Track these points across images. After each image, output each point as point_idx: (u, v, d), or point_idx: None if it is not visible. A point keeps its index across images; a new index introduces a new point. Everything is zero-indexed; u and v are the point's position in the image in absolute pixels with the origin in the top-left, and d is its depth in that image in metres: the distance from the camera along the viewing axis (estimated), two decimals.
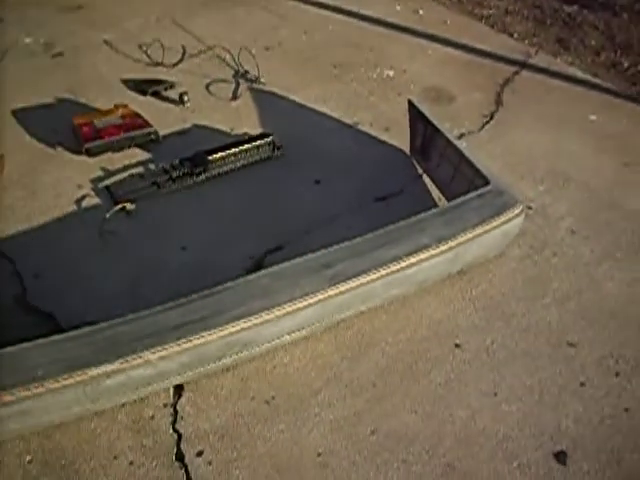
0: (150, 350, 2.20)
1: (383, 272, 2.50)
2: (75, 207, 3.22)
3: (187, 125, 3.80)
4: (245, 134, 3.66)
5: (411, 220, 2.69)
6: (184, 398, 2.43)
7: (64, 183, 3.36)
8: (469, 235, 2.62)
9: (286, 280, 2.44)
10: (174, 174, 3.34)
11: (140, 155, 3.56)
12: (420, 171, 3.44)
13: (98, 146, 3.49)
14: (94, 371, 2.13)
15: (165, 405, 2.40)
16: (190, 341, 2.23)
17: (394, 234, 2.63)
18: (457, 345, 2.63)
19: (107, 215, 3.10)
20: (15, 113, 3.83)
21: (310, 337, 2.59)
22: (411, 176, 3.44)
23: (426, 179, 3.40)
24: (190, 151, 3.46)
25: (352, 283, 2.46)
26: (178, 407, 2.40)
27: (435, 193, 3.28)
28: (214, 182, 3.40)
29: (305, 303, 2.39)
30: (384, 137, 3.69)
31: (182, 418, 2.37)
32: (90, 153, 3.48)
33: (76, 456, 2.24)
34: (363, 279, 2.47)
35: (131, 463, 2.23)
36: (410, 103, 3.37)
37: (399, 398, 2.46)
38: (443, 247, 2.60)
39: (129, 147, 3.56)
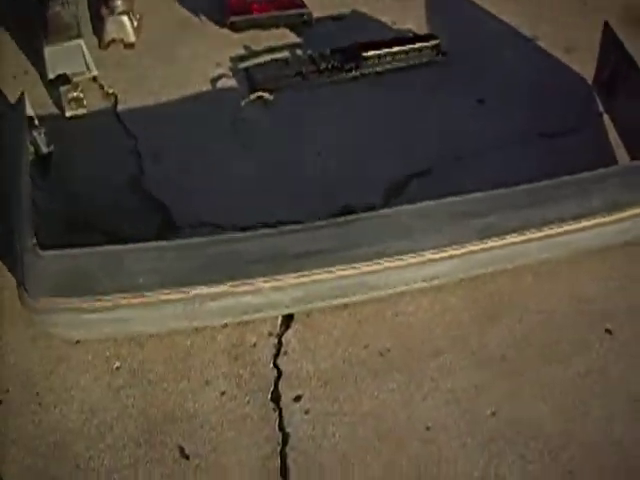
0: (264, 278, 1.89)
1: (540, 234, 2.08)
2: (209, 87, 2.91)
3: (345, 10, 3.31)
4: (409, 31, 3.14)
5: (582, 176, 2.18)
6: (292, 330, 2.16)
7: (202, 58, 3.04)
8: None
9: (430, 223, 2.06)
10: (322, 65, 2.95)
11: (289, 37, 3.18)
12: (601, 108, 2.83)
13: (245, 21, 3.13)
14: (199, 290, 1.85)
15: (270, 334, 2.15)
16: (310, 275, 1.89)
17: (559, 190, 2.15)
18: (608, 330, 2.20)
19: (243, 102, 2.77)
20: None
21: (442, 287, 2.19)
22: (589, 113, 2.86)
23: (607, 120, 2.78)
24: (344, 41, 3.06)
25: (503, 241, 2.05)
26: (283, 339, 2.15)
27: (615, 139, 2.68)
28: (365, 82, 2.98)
29: (450, 253, 2.02)
30: (564, 59, 3.09)
31: (286, 353, 2.10)
32: (235, 27, 3.12)
33: (166, 373, 2.04)
34: (515, 238, 2.05)
35: (223, 393, 2.02)
36: (606, 25, 2.74)
37: (530, 380, 2.09)
38: (616, 216, 2.09)
39: (278, 27, 3.16)
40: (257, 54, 3.05)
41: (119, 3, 2.99)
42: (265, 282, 1.91)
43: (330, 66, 2.95)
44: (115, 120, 2.77)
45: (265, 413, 1.98)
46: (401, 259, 1.98)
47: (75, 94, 2.80)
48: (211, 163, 2.62)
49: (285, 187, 2.53)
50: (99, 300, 1.81)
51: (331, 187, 2.53)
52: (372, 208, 2.40)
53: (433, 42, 2.99)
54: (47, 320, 1.90)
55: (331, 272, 1.94)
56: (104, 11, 3.00)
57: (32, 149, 2.39)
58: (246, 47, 3.10)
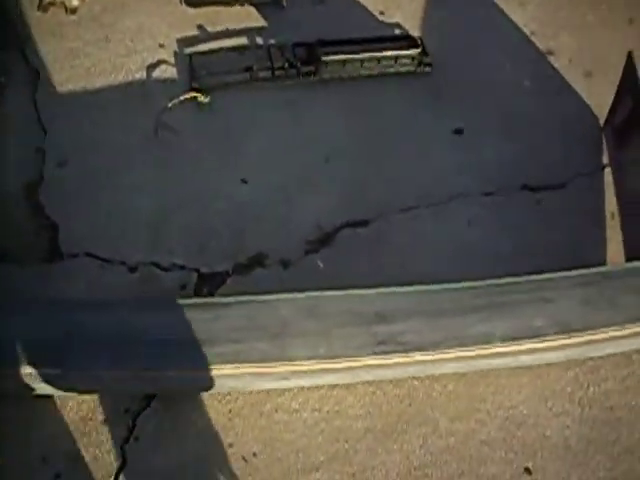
0: None
1: (457, 354, 1.65)
2: (144, 75, 2.50)
3: None
4: (396, 26, 2.66)
5: (541, 279, 1.76)
6: (150, 410, 1.88)
7: (146, 36, 2.64)
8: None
9: (316, 323, 1.68)
10: (277, 63, 2.51)
11: (252, 19, 2.71)
12: (605, 160, 2.33)
13: None
14: None
15: (127, 411, 1.90)
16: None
17: (502, 296, 1.73)
18: (527, 470, 1.79)
19: (170, 104, 2.36)
20: None
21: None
22: (589, 164, 2.36)
23: (608, 177, 2.29)
24: (315, 32, 2.60)
25: (404, 358, 1.64)
26: (138, 421, 1.88)
27: (611, 207, 2.21)
28: (323, 90, 2.54)
29: (332, 366, 1.64)
30: (580, 85, 2.55)
31: (137, 439, 1.84)
32: (191, 1, 2.62)
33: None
34: (424, 356, 1.65)
35: (57, 476, 1.71)
36: (629, 57, 2.20)
37: None
38: (561, 342, 1.68)
39: (242, 4, 2.66)
40: (209, 38, 2.59)
41: None
42: None
43: (286, 65, 2.51)
44: (31, 103, 2.38)
45: None
46: (262, 366, 1.61)
47: None
48: (118, 181, 2.26)
49: (191, 222, 2.16)
50: None
51: (245, 227, 2.15)
52: (286, 263, 2.04)
53: (414, 51, 2.49)
54: None
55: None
56: None
57: None
58: (200, 27, 2.65)
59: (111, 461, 1.80)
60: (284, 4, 2.72)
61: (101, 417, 1.85)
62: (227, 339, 1.62)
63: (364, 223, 2.21)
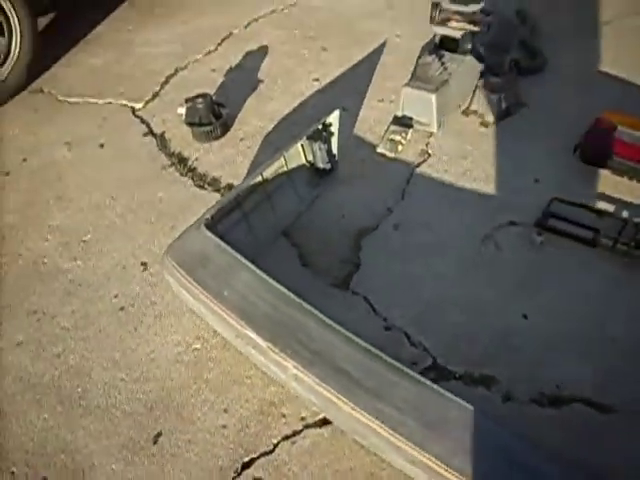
0: None
1: None
2: (512, 198, 2.79)
3: None
4: None
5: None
6: None
7: (528, 170, 2.89)
8: None
9: None
10: (622, 239, 2.54)
11: (631, 194, 2.76)
12: None
13: (594, 156, 2.83)
14: None
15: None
16: None
17: None
18: None
19: (535, 236, 2.63)
20: None
21: None
22: None
23: None
24: None
25: None
26: None
27: None
28: None
29: None
30: None
31: None
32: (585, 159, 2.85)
33: None
34: None
35: None
36: None
37: None
38: None
39: (631, 178, 2.79)
40: (582, 192, 2.77)
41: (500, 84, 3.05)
42: None
43: (632, 243, 2.51)
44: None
45: None
46: None
47: (399, 138, 3.03)
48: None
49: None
50: None
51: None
52: None
53: None
54: None
55: None
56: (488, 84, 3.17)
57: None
58: (585, 180, 2.83)
59: None
60: None
61: None
62: None
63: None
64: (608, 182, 2.82)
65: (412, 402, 1.83)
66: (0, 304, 2.59)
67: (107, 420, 2.21)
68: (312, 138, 2.78)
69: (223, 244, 2.24)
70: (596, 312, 2.37)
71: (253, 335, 2.04)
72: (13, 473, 2.09)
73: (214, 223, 2.37)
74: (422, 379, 1.88)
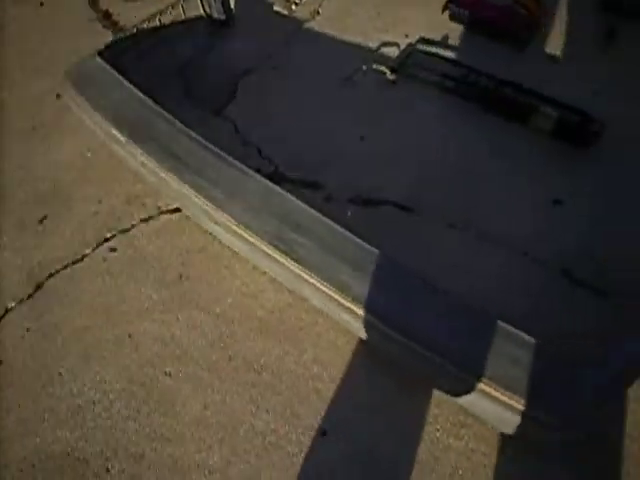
0: None
1: None
2: (376, 46, 3.18)
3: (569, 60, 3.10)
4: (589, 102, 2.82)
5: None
6: None
7: (402, 25, 3.29)
8: None
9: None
10: (470, 82, 2.91)
11: (489, 49, 3.15)
12: None
13: (456, 13, 3.21)
14: None
15: None
16: None
17: None
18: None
19: (364, 67, 3.03)
20: None
21: None
22: None
23: None
24: (519, 78, 2.90)
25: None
26: None
27: None
28: (480, 116, 2.88)
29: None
30: None
31: None
32: (451, 16, 3.23)
33: None
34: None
35: None
36: None
37: None
38: None
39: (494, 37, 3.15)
40: (441, 46, 3.14)
41: None
42: None
43: (472, 87, 2.89)
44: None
45: None
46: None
47: None
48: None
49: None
50: None
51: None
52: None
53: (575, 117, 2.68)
54: None
55: None
56: None
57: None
58: (445, 36, 3.20)
59: None
60: (524, 49, 3.08)
61: None
62: None
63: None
64: (468, 38, 3.20)
65: (237, 189, 2.26)
66: None
67: (4, 204, 2.70)
68: None
69: (111, 69, 2.66)
70: (423, 138, 2.80)
71: (116, 133, 2.48)
72: None
73: (109, 54, 2.79)
74: (250, 171, 2.30)
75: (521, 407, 1.76)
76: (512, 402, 1.77)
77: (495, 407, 1.81)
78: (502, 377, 1.79)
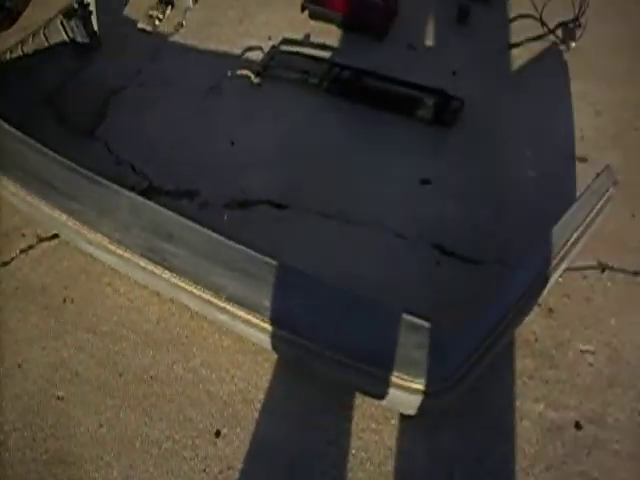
0: None
1: None
2: (241, 52, 3.24)
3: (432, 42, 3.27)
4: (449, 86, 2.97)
5: None
6: None
7: (265, 27, 3.37)
8: None
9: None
10: (327, 78, 3.03)
11: (350, 43, 3.28)
12: None
13: (316, 11, 3.30)
14: None
15: None
16: None
17: None
18: None
19: (229, 73, 3.10)
20: None
21: None
22: None
23: None
24: (376, 67, 3.06)
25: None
26: None
27: None
28: (343, 106, 2.99)
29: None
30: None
31: None
32: (310, 14, 3.33)
33: None
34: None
35: None
36: None
37: None
38: None
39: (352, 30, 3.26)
40: (304, 44, 3.23)
41: None
42: None
43: (333, 81, 3.00)
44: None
45: None
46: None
47: (156, 14, 3.45)
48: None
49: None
50: None
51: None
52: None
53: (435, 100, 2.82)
54: None
55: None
56: None
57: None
58: (307, 35, 3.29)
59: None
60: (382, 39, 3.20)
61: None
62: None
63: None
64: (328, 33, 3.32)
65: (107, 207, 2.31)
66: None
67: None
68: (69, 16, 3.16)
69: None
70: (292, 136, 2.90)
71: None
72: None
73: None
74: (119, 189, 2.36)
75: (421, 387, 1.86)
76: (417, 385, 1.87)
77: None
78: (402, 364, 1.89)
